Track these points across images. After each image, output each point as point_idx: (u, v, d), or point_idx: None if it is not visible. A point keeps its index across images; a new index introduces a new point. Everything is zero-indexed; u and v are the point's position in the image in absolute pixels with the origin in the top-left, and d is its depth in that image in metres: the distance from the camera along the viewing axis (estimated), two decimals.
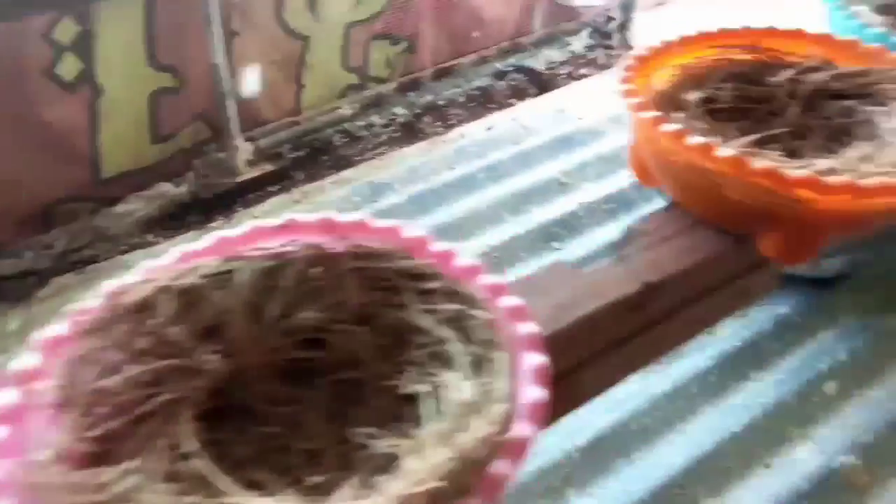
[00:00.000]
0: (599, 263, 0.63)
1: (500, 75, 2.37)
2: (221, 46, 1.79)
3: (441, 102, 2.28)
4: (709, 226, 0.64)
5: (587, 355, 0.62)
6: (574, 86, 2.28)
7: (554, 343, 0.59)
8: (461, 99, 2.30)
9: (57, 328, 0.49)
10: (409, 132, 2.18)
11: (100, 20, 1.73)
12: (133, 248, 1.86)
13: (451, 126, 2.17)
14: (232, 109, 1.91)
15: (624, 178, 1.86)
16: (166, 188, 1.94)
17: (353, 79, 2.28)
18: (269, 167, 2.02)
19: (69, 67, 1.75)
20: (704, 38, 0.67)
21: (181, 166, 2.06)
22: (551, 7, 2.49)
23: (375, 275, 0.56)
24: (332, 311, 0.56)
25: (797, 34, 0.68)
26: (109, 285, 0.51)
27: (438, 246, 0.56)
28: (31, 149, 1.78)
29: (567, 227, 1.77)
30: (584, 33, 2.51)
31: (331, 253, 0.56)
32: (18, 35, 1.64)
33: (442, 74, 2.37)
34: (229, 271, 0.53)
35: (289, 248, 0.56)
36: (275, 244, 0.56)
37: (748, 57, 0.68)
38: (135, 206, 1.90)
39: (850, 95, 0.64)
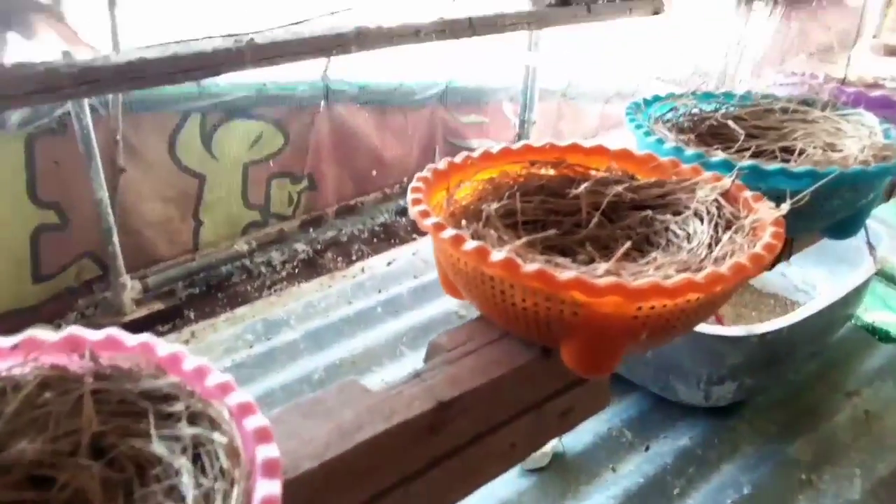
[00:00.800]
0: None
1: (403, 212, 2.41)
2: (103, 182, 1.77)
3: (343, 238, 2.28)
4: (516, 338, 0.61)
5: (382, 487, 0.55)
6: None
7: (334, 472, 0.53)
8: (364, 235, 2.32)
9: None
10: (310, 268, 2.16)
11: None
12: None
13: (353, 261, 2.17)
14: (117, 246, 1.86)
15: None
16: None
17: (255, 216, 2.28)
18: (158, 306, 1.95)
19: None
20: (508, 154, 0.67)
21: (66, 306, 1.96)
22: (449, 149, 2.60)
23: (118, 398, 0.50)
24: (64, 441, 0.49)
25: (599, 150, 0.69)
26: None
27: (191, 362, 0.50)
28: None
29: None
30: None
31: (68, 374, 0.50)
32: None
33: (345, 212, 2.40)
34: None
35: (18, 370, 0.50)
36: (3, 365, 0.50)
37: (553, 171, 0.68)
38: None
39: (649, 206, 0.65)
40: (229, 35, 1.18)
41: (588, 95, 2.74)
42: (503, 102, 2.60)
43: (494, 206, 0.61)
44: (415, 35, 1.34)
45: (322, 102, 2.23)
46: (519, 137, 2.54)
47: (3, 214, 1.79)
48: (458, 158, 0.65)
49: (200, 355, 0.46)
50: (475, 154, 0.67)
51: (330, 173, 2.37)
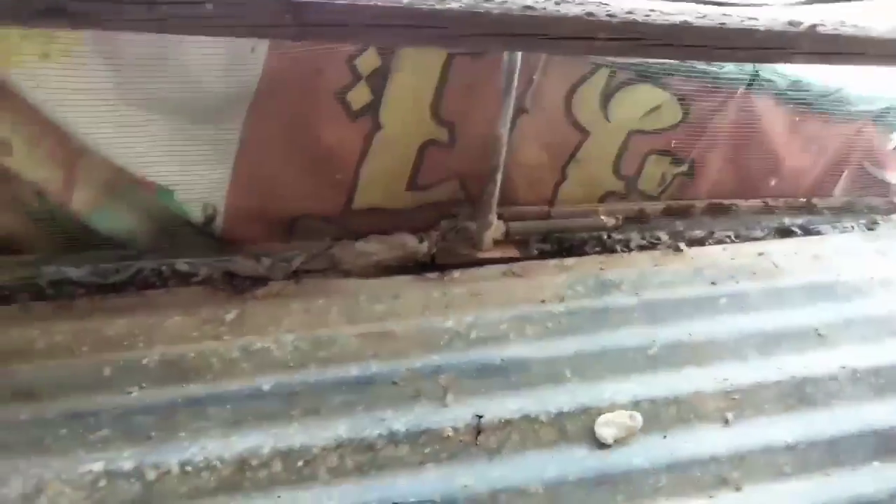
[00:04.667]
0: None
1: (785, 232, 2.08)
2: (508, 120, 1.71)
3: (710, 243, 2.04)
4: None
5: None
6: (834, 238, 2.03)
7: None
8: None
9: None
10: None
11: (400, 60, 1.72)
12: (360, 288, 1.80)
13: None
14: (497, 184, 1.82)
15: None
16: (409, 241, 1.88)
17: (619, 187, 2.12)
18: (513, 252, 1.90)
19: (359, 96, 1.75)
20: None
21: (427, 218, 1.98)
22: (861, 175, 2.19)
23: None
24: None
25: None
26: None
27: None
28: (300, 160, 1.79)
29: (824, 390, 1.51)
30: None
31: None
32: (326, 53, 1.66)
33: (715, 210, 2.15)
34: None
35: None
36: None
37: None
38: (375, 248, 1.85)
39: None
40: (789, 23, 0.97)
41: None
42: None
43: None
44: None
45: (741, 88, 1.97)
46: None
47: (405, 122, 1.83)
48: None
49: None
50: None
51: (714, 165, 2.13)
